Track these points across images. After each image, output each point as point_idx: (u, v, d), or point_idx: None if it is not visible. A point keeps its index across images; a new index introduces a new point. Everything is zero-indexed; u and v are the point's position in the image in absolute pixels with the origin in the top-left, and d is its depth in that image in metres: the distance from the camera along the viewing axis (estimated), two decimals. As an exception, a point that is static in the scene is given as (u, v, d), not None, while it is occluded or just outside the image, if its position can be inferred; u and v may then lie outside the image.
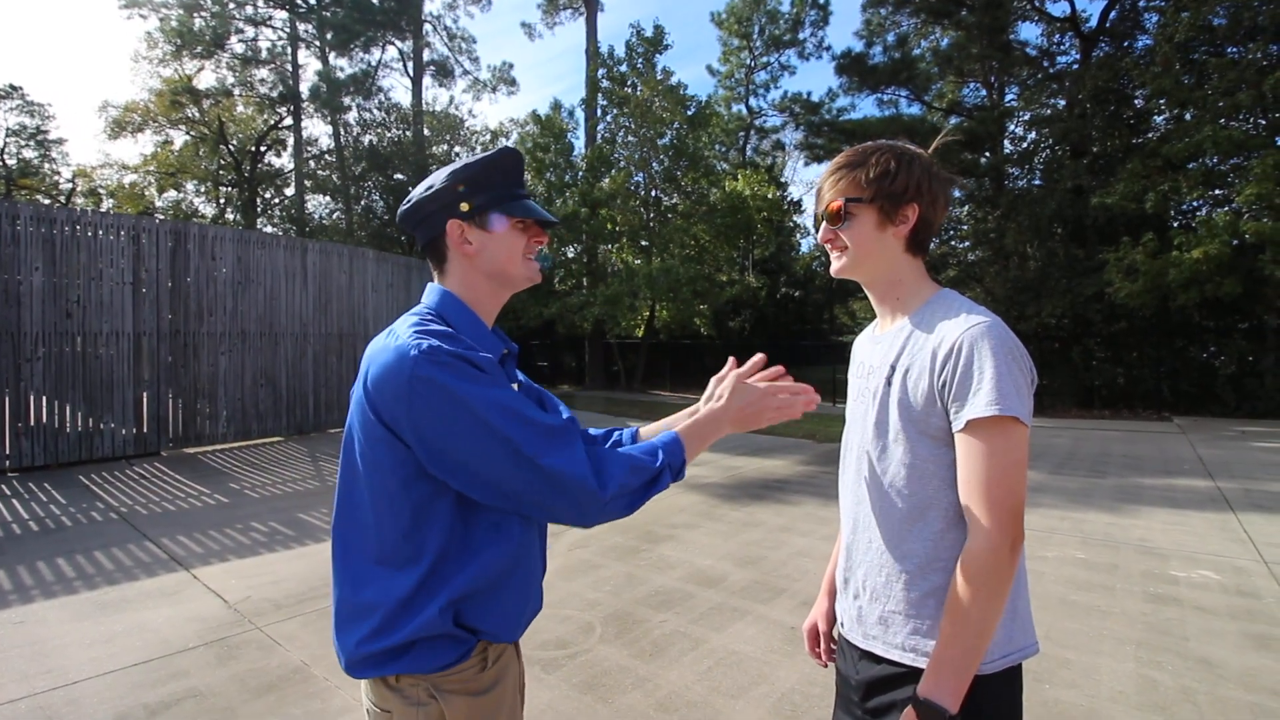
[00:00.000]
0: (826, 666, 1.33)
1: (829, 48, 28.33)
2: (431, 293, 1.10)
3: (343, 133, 24.27)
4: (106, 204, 28.05)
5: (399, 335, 0.97)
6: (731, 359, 1.20)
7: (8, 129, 27.38)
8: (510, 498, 0.93)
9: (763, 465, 7.68)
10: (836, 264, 1.16)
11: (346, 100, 23.75)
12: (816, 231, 1.19)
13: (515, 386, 1.06)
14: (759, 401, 1.10)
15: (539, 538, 1.14)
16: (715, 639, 3.11)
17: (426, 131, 24.23)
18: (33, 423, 6.84)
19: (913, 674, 1.01)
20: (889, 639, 1.06)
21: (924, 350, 1.04)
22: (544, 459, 0.91)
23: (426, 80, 26.48)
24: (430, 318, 1.03)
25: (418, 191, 1.09)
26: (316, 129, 35.64)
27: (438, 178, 1.07)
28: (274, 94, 25.12)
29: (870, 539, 1.11)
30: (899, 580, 1.05)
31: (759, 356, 1.18)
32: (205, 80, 25.08)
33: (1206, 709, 2.47)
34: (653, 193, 18.89)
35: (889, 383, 1.08)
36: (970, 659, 0.93)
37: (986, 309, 1.03)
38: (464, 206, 1.05)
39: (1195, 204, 13.63)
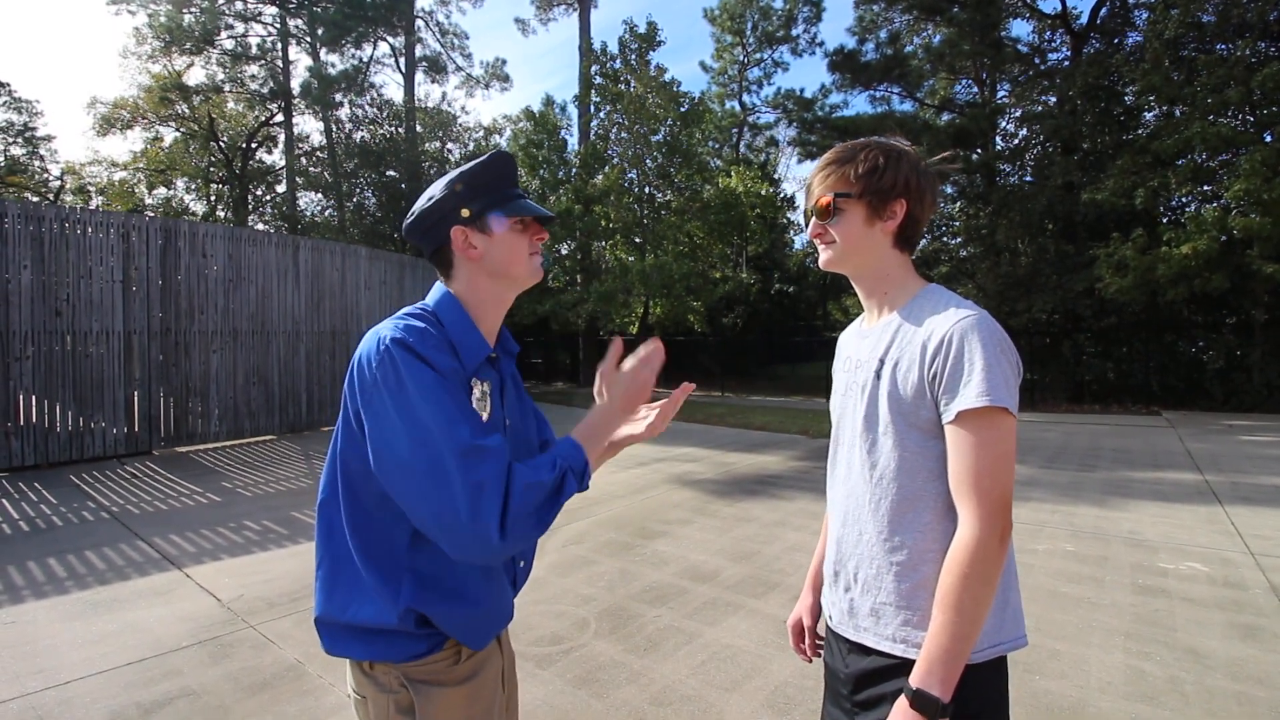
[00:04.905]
0: (811, 662, 1.33)
1: (822, 44, 28.50)
2: (434, 291, 1.13)
3: (334, 129, 24.08)
4: (96, 201, 27.75)
5: (381, 324, 1.02)
6: (614, 345, 1.17)
7: (-6, 126, 27.05)
8: (407, 506, 0.93)
9: (756, 461, 7.71)
10: (824, 255, 1.17)
11: (338, 96, 23.52)
12: (807, 227, 1.20)
13: (482, 388, 1.07)
14: (633, 380, 1.14)
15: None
16: (709, 633, 3.13)
17: (419, 128, 24.08)
18: (22, 422, 6.78)
19: (904, 665, 1.02)
20: (880, 630, 1.07)
21: (913, 343, 1.05)
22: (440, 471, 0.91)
23: (419, 76, 26.32)
24: (420, 313, 1.06)
25: (419, 204, 1.11)
26: (308, 125, 35.41)
27: (436, 188, 1.09)
28: (265, 90, 24.87)
29: (861, 532, 1.12)
30: (890, 572, 1.06)
31: (616, 344, 1.18)
32: (195, 76, 24.81)
33: (1193, 698, 2.51)
34: (646, 189, 18.84)
35: (878, 376, 1.09)
36: (962, 648, 0.94)
37: (974, 303, 1.05)
38: (465, 212, 1.07)
39: (1184, 200, 13.76)
